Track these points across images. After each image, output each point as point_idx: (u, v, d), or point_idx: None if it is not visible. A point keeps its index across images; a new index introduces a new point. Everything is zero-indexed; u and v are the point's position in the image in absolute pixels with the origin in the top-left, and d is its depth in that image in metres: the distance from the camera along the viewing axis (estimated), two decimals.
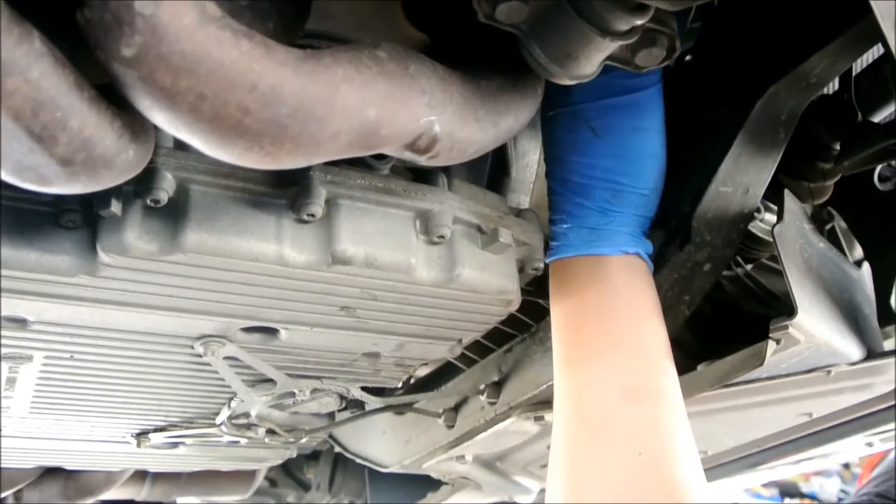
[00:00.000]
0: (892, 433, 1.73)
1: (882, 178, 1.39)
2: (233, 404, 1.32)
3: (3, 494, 1.83)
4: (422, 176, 1.02)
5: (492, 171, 1.29)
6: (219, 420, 1.37)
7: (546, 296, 1.15)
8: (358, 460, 1.86)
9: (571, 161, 1.08)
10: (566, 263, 1.10)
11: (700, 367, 1.23)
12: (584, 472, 0.99)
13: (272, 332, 1.09)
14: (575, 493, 0.98)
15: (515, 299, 1.07)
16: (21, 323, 0.99)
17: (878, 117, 1.23)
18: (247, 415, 1.38)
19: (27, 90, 0.60)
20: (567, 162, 1.08)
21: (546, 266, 1.12)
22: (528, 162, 1.31)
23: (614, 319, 1.05)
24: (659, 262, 1.11)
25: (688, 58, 1.18)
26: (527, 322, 1.35)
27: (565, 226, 1.09)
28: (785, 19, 1.03)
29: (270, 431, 1.43)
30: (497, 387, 1.41)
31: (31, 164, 0.66)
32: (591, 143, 1.06)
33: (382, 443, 1.77)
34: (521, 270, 1.10)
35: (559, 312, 1.11)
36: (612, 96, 1.05)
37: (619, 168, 1.06)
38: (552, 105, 1.08)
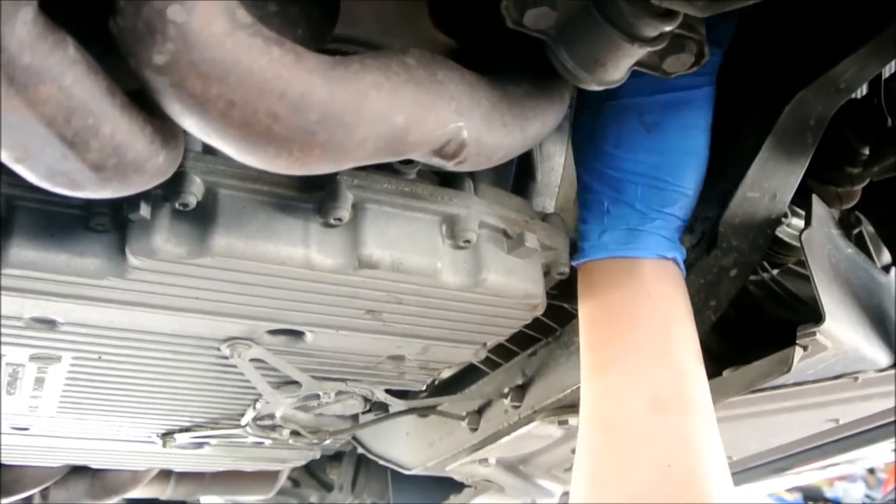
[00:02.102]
0: None
1: None
2: (258, 405, 1.32)
3: (30, 492, 1.85)
4: (448, 180, 1.02)
5: (517, 175, 1.29)
6: (244, 421, 1.38)
7: (571, 299, 1.14)
8: (381, 462, 1.86)
9: (615, 156, 1.05)
10: (598, 265, 1.07)
11: (726, 373, 1.23)
12: (609, 481, 0.97)
13: (298, 334, 1.10)
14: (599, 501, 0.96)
15: (541, 303, 1.07)
16: (50, 324, 1.00)
17: None
18: (271, 416, 1.38)
19: (60, 97, 0.61)
20: (610, 156, 1.06)
21: (572, 269, 1.11)
22: (554, 165, 1.31)
23: (645, 325, 1.03)
24: (686, 267, 1.11)
25: None
26: (551, 326, 1.35)
27: (599, 226, 1.07)
28: (814, 24, 1.02)
29: (295, 433, 1.44)
30: (521, 390, 1.41)
31: (63, 170, 0.67)
32: (638, 138, 1.04)
33: (406, 445, 1.78)
34: (546, 274, 1.09)
35: (588, 316, 1.09)
36: (670, 91, 1.03)
37: (665, 165, 1.04)
38: (600, 98, 1.05)
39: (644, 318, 1.04)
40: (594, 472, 0.99)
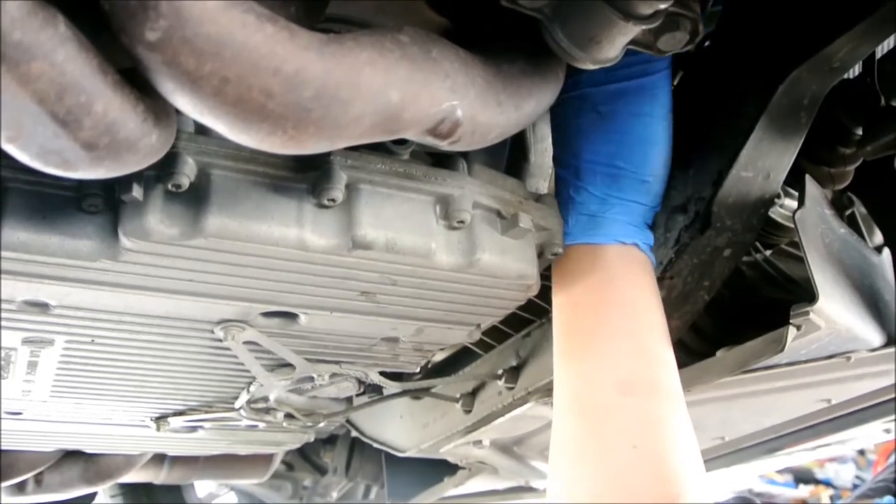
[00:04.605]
0: None
1: None
2: (252, 388, 1.32)
3: (24, 477, 1.85)
4: (441, 161, 1.01)
5: (510, 156, 1.28)
6: (238, 404, 1.38)
7: None
8: (375, 444, 1.87)
9: (576, 145, 1.09)
10: (566, 252, 1.10)
11: (719, 353, 1.23)
12: (580, 465, 0.99)
13: (292, 316, 1.10)
14: (571, 485, 0.99)
15: (535, 284, 1.06)
16: (43, 307, 0.99)
17: None
18: (266, 399, 1.38)
19: (52, 74, 0.60)
20: (572, 146, 1.09)
21: None
22: (547, 147, 1.30)
23: (610, 310, 1.06)
24: (679, 247, 1.11)
25: (706, 44, 1.17)
26: (545, 307, 1.35)
27: (566, 213, 1.10)
28: (808, 2, 1.02)
29: (289, 415, 1.44)
30: (515, 372, 1.41)
31: (55, 149, 0.66)
32: (595, 128, 1.07)
33: (400, 427, 1.78)
34: (540, 255, 1.09)
35: (558, 302, 1.12)
36: (619, 81, 1.05)
37: (620, 153, 1.07)
38: (564, 89, 1.07)
39: (608, 304, 1.06)
40: (567, 455, 1.02)
